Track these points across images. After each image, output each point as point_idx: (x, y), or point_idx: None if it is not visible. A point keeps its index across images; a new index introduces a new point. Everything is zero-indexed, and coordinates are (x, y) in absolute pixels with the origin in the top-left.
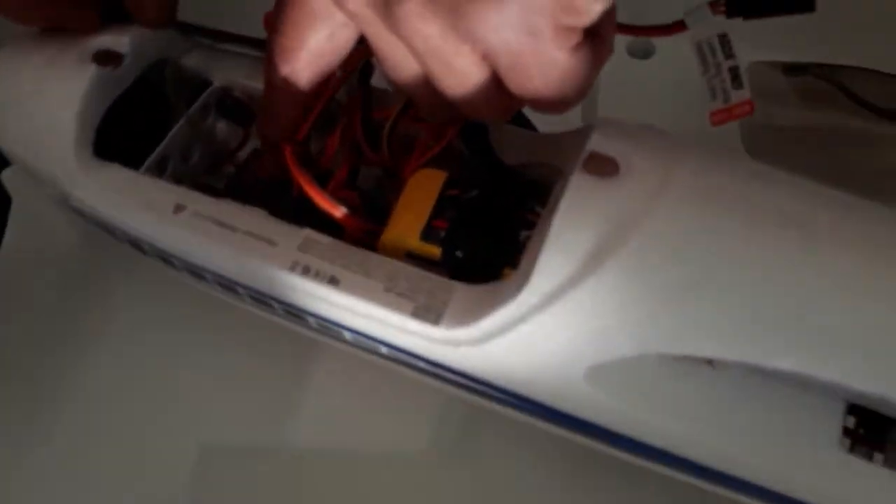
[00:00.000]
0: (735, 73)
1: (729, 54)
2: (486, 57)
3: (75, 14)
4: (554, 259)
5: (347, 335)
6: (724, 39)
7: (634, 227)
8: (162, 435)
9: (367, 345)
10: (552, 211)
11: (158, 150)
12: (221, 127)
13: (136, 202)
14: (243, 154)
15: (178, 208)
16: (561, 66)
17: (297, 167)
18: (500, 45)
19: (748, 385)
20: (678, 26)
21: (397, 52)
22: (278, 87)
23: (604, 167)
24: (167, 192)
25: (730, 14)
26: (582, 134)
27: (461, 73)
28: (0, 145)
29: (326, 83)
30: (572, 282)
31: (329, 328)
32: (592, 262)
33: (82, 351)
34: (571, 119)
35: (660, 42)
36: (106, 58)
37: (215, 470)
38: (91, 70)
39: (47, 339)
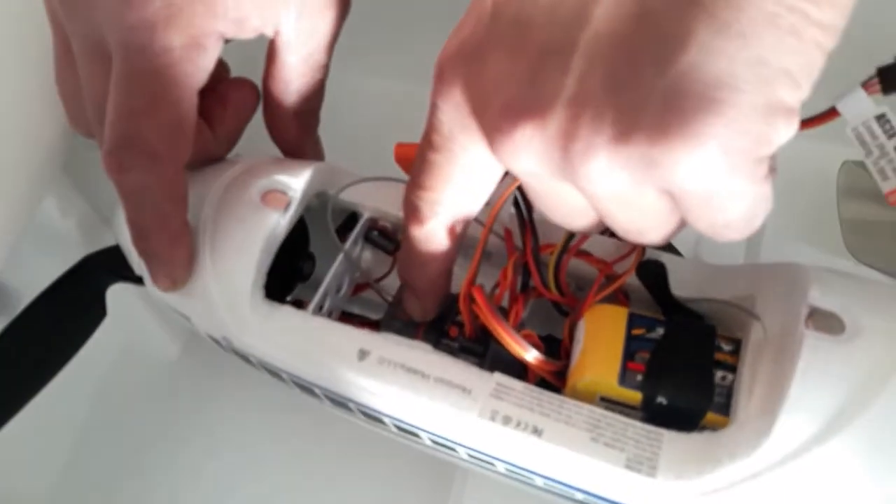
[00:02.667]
0: None
1: (891, 133)
2: (673, 195)
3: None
4: (797, 417)
5: (540, 481)
6: (882, 120)
7: (877, 388)
8: None
9: (560, 491)
10: (778, 364)
11: (322, 289)
12: (367, 255)
13: (316, 350)
14: (388, 282)
15: (363, 354)
16: (751, 196)
17: (492, 313)
18: (693, 187)
19: None
20: (830, 114)
21: (566, 198)
22: (422, 240)
23: (829, 324)
24: (346, 336)
25: (886, 90)
26: (763, 273)
27: (639, 212)
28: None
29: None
30: (816, 440)
31: (523, 476)
32: (838, 422)
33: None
34: None
35: None
36: (277, 200)
37: None
38: (268, 215)
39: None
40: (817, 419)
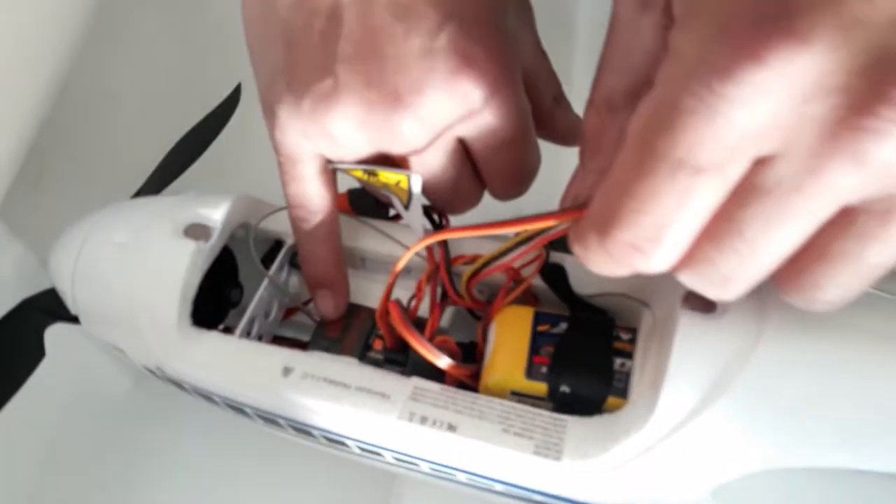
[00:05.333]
0: None
1: None
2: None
3: None
4: (677, 391)
5: (462, 477)
6: None
7: (746, 356)
8: None
9: (481, 484)
10: (662, 345)
11: (248, 313)
12: (294, 280)
13: (243, 370)
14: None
15: (287, 371)
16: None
17: (405, 326)
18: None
19: (847, 483)
20: None
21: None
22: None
23: (703, 304)
24: (271, 355)
25: None
26: None
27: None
28: (83, 320)
29: None
30: (696, 410)
31: (443, 471)
32: (714, 391)
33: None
34: None
35: None
36: (198, 231)
37: None
38: (190, 245)
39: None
40: (696, 390)
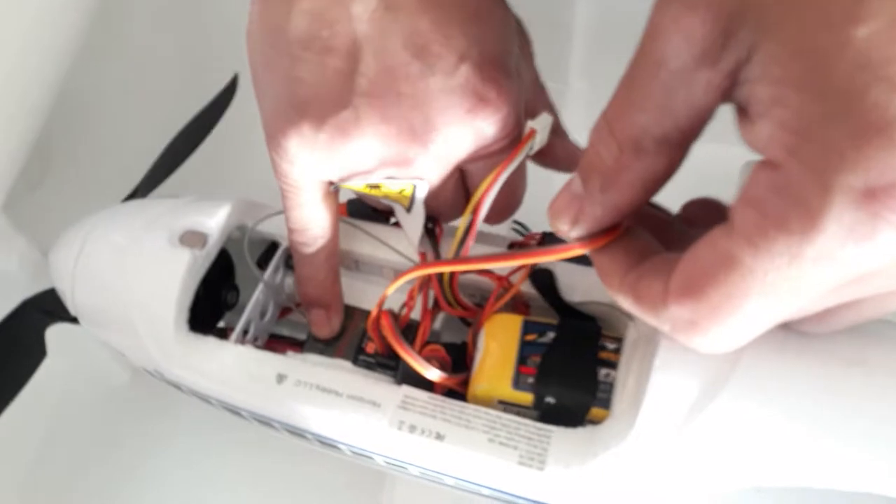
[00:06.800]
0: None
1: None
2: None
3: None
4: (655, 409)
5: (450, 481)
6: None
7: (725, 377)
8: None
9: (469, 488)
10: (643, 361)
11: (244, 317)
12: (289, 281)
13: (238, 376)
14: None
15: (281, 378)
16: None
17: (396, 338)
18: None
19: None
20: None
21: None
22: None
23: None
24: (266, 362)
25: None
26: None
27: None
28: (85, 322)
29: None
30: (676, 427)
31: (434, 476)
32: (692, 410)
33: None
34: None
35: None
36: (194, 239)
37: None
38: (185, 254)
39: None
40: (674, 409)
